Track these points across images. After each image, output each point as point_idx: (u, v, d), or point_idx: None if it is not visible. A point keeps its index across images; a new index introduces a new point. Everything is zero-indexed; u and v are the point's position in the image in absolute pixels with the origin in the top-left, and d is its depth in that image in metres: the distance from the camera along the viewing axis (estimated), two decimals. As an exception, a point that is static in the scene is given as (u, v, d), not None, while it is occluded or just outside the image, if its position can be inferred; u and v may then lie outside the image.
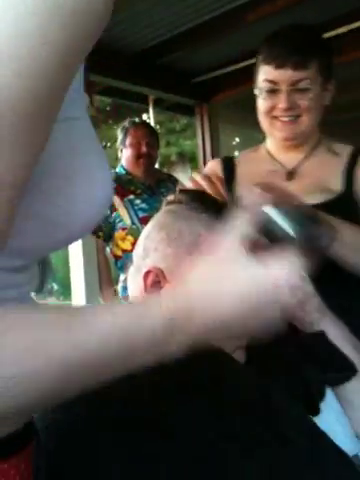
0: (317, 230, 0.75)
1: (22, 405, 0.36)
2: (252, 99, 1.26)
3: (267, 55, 1.16)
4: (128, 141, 2.67)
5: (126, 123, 2.76)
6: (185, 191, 0.92)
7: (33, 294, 0.54)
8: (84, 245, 2.75)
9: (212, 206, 0.84)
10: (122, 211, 2.54)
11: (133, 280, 0.83)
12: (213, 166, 1.33)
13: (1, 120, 0.33)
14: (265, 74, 1.16)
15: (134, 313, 0.42)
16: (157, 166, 2.90)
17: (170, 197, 0.89)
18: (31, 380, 0.35)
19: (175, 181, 1.66)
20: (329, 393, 0.82)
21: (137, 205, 2.56)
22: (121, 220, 2.54)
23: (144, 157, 2.64)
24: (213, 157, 3.55)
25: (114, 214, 2.55)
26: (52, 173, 0.42)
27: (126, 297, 0.87)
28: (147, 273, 0.79)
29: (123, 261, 2.50)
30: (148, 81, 3.32)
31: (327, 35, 2.98)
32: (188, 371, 0.70)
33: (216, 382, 0.71)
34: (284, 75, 1.13)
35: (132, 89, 3.40)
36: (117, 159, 2.82)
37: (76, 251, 2.80)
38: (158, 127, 5.00)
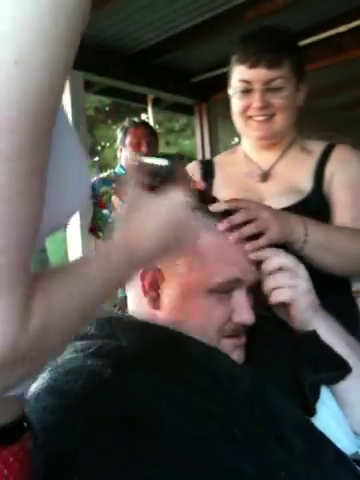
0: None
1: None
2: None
3: (241, 55, 1.17)
4: (128, 140, 2.66)
5: (126, 123, 2.75)
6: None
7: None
8: (83, 245, 2.75)
9: (206, 202, 0.83)
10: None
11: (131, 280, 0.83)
12: (192, 169, 1.33)
13: None
14: (239, 74, 1.17)
15: (100, 251, 0.57)
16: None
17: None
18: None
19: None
20: (326, 391, 0.82)
21: (136, 205, 2.55)
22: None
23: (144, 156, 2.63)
24: (212, 156, 3.55)
25: (113, 214, 2.55)
26: None
27: (125, 298, 0.86)
28: (144, 273, 0.79)
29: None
30: (147, 81, 3.32)
31: (327, 34, 2.99)
32: (188, 370, 0.70)
33: (213, 381, 0.70)
34: (258, 74, 1.14)
35: (131, 89, 3.40)
36: (116, 159, 2.81)
37: (75, 251, 2.80)
38: (157, 127, 5.00)
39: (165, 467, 0.59)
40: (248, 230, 0.84)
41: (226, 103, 1.29)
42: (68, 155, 0.48)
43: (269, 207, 0.96)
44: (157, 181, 0.69)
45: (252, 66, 1.14)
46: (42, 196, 0.41)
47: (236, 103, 1.20)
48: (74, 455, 0.60)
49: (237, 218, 0.83)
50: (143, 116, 4.99)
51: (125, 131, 2.69)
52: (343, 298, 1.22)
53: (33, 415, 0.64)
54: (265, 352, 0.82)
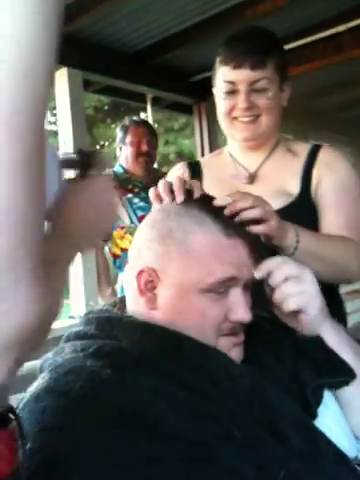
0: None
1: None
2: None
3: (225, 56, 1.17)
4: (128, 139, 2.64)
5: (126, 121, 2.74)
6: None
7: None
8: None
9: (203, 200, 0.83)
10: (120, 210, 2.54)
11: (129, 280, 0.82)
12: (180, 170, 1.33)
13: None
14: (223, 75, 1.17)
15: None
16: (155, 166, 2.89)
17: None
18: None
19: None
20: (329, 394, 0.82)
21: (135, 204, 2.55)
22: (119, 219, 2.53)
23: (144, 155, 2.63)
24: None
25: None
26: None
27: (124, 297, 0.86)
28: (140, 273, 0.79)
29: (122, 260, 2.50)
30: (146, 80, 3.31)
31: (326, 33, 2.99)
32: (188, 371, 0.70)
33: (212, 382, 0.70)
34: (242, 75, 1.14)
35: (130, 88, 3.39)
36: (115, 158, 2.81)
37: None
38: (156, 126, 5.00)
39: (165, 468, 0.59)
40: (252, 212, 0.85)
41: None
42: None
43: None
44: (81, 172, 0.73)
45: (237, 67, 1.14)
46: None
47: (221, 104, 1.20)
48: (74, 456, 0.59)
49: (242, 204, 0.84)
50: (142, 115, 4.99)
51: (126, 130, 2.67)
52: (330, 298, 1.23)
53: (33, 416, 0.64)
54: (265, 352, 0.82)
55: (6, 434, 0.50)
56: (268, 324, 0.86)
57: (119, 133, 2.72)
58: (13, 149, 0.42)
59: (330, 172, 1.19)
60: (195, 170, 1.32)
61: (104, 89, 3.45)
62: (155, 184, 0.89)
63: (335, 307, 1.22)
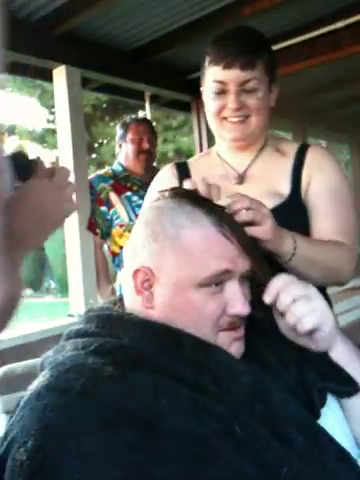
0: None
1: None
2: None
3: (215, 56, 1.16)
4: (129, 137, 2.63)
5: (127, 119, 2.72)
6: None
7: (31, 292, 0.59)
8: (82, 242, 2.74)
9: (195, 196, 0.83)
10: (119, 208, 2.53)
11: (125, 279, 0.83)
12: (169, 171, 1.33)
13: None
14: (213, 75, 1.16)
15: None
16: (155, 164, 2.88)
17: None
18: None
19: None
20: (331, 397, 0.81)
21: (134, 202, 2.55)
22: (118, 217, 2.53)
23: (145, 153, 2.62)
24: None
25: (111, 211, 2.55)
26: None
27: (122, 296, 0.86)
28: (136, 272, 0.79)
29: (121, 258, 2.49)
30: (144, 78, 3.31)
31: (324, 30, 2.99)
32: (189, 369, 0.70)
33: (213, 380, 0.70)
34: (232, 75, 1.13)
35: (128, 86, 3.39)
36: (114, 156, 2.79)
37: (74, 248, 2.79)
38: (155, 124, 4.99)
39: (166, 466, 0.59)
40: (246, 214, 0.86)
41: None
42: None
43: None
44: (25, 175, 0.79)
45: (227, 67, 1.13)
46: None
47: (210, 104, 1.20)
48: (75, 453, 0.60)
49: (238, 205, 0.85)
50: (140, 113, 4.98)
51: (126, 127, 2.66)
52: None
53: (34, 413, 0.64)
54: (267, 351, 0.82)
55: None
56: (268, 324, 0.85)
57: (119, 130, 2.70)
58: None
59: (320, 173, 1.19)
60: (183, 171, 1.31)
61: (102, 87, 3.44)
62: None
63: None
